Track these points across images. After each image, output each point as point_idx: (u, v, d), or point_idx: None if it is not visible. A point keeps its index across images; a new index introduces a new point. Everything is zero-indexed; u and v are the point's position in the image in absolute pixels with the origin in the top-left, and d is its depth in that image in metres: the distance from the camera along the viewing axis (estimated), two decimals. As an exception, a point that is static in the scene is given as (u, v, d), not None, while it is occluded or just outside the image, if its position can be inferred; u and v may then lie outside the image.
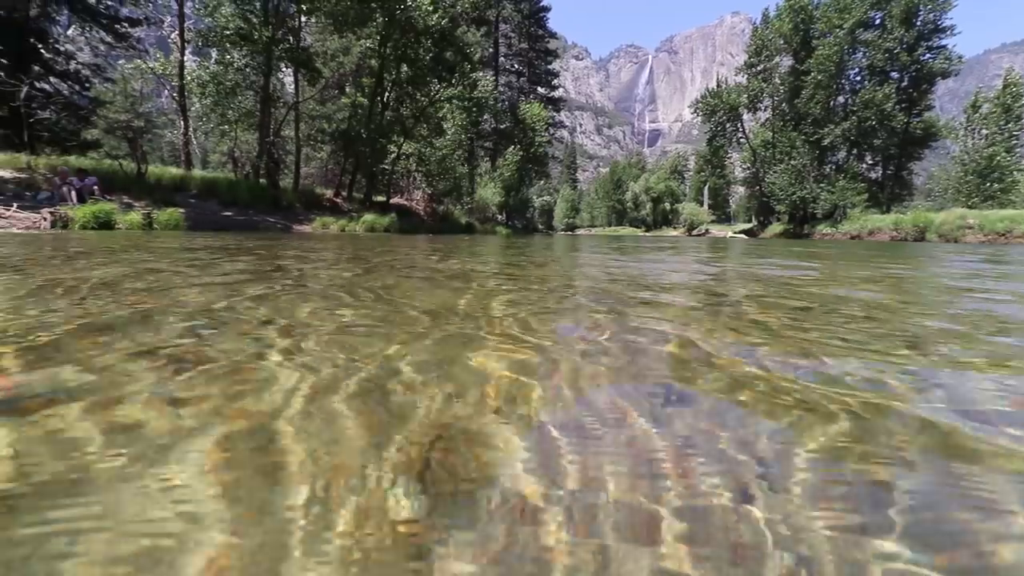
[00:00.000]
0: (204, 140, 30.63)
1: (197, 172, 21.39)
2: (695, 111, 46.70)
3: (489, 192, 36.06)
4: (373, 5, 21.42)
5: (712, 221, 63.67)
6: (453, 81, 26.63)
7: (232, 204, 17.54)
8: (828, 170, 39.31)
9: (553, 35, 56.85)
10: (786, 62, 43.27)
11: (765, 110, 45.71)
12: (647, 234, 59.28)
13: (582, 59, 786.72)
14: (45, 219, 11.02)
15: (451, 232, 23.49)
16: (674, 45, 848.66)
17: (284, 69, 23.91)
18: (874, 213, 33.69)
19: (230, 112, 21.52)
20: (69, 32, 25.75)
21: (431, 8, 22.38)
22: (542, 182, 58.75)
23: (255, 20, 19.77)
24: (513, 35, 52.14)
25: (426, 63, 24.51)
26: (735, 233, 45.28)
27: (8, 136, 19.70)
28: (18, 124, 18.04)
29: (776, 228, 40.69)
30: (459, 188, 31.94)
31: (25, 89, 19.07)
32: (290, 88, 26.06)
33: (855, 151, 39.12)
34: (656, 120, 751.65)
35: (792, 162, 38.52)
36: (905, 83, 37.95)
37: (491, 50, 47.18)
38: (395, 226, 20.38)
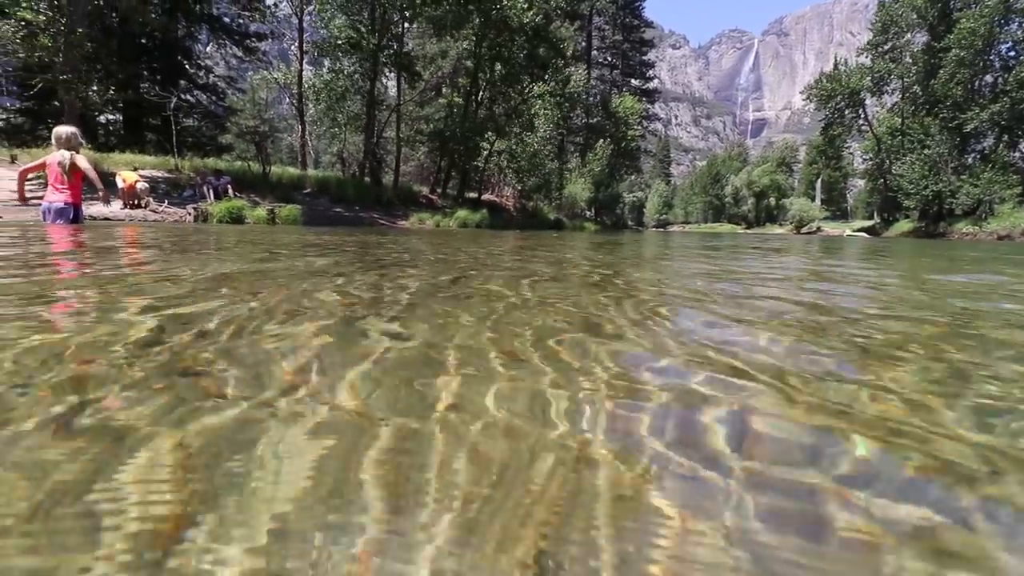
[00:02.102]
0: (317, 143, 33.35)
1: (311, 172, 23.35)
2: (808, 97, 42.84)
3: (578, 188, 35.75)
4: (471, 7, 22.04)
5: (825, 218, 58.15)
6: (546, 77, 26.70)
7: (341, 201, 18.98)
8: (971, 160, 34.30)
9: (649, 24, 54.97)
10: (920, 39, 38.30)
11: (892, 93, 40.87)
12: (748, 231, 55.52)
13: (679, 47, 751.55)
14: (189, 214, 12.65)
15: (539, 228, 23.60)
16: (784, 27, 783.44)
17: (388, 74, 25.36)
18: (1031, 209, 28.91)
19: (340, 116, 23.31)
20: (208, 49, 29.20)
21: (526, 6, 22.58)
22: (633, 177, 57.12)
23: (363, 29, 21.16)
24: (607, 27, 51.15)
25: (520, 60, 24.79)
26: (853, 231, 40.90)
27: (160, 141, 22.86)
28: (168, 131, 20.79)
29: (903, 226, 36.28)
30: (548, 184, 32.01)
31: (174, 100, 21.96)
32: (392, 92, 27.58)
33: (1006, 138, 33.68)
34: (761, 109, 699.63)
35: (926, 151, 34.03)
36: (1076, 56, 32.06)
37: (583, 44, 46.61)
38: (486, 222, 20.89)
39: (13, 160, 15.88)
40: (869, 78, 39.55)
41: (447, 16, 22.16)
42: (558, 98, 28.53)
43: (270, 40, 28.66)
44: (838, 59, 42.70)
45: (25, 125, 23.41)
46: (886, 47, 39.47)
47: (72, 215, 5.73)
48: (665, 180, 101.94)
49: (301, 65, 22.53)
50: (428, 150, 30.04)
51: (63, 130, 5.77)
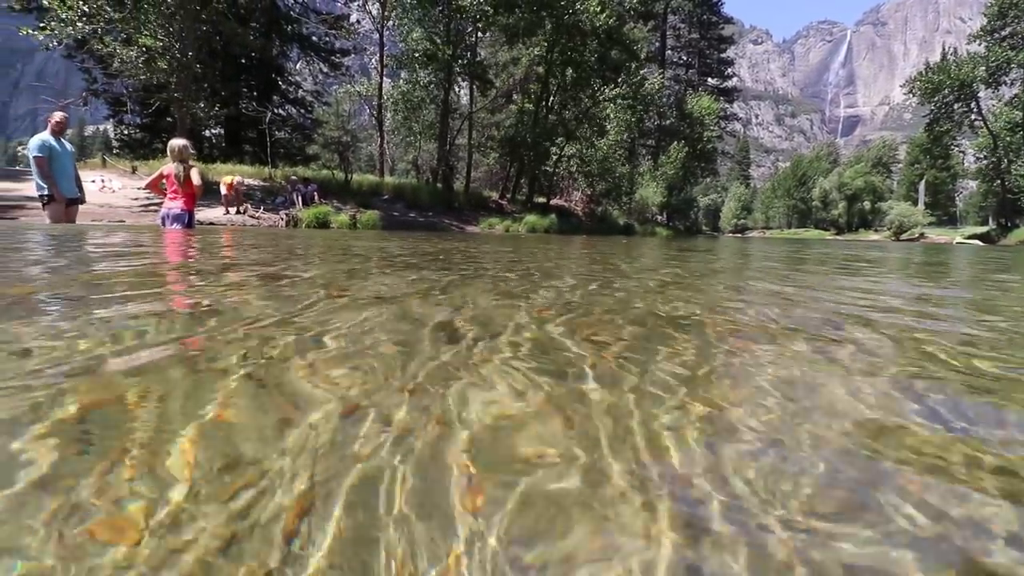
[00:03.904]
0: (394, 151, 34.87)
1: (388, 179, 24.44)
2: (910, 91, 39.11)
3: (650, 192, 34.82)
4: (543, 13, 22.17)
5: (929, 223, 52.73)
6: (618, 80, 26.29)
7: (415, 206, 19.68)
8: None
9: (728, 20, 52.69)
10: (1048, 21, 33.89)
11: (1012, 85, 36.37)
12: (839, 238, 51.54)
13: (761, 43, 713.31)
14: (282, 219, 13.63)
15: (608, 233, 23.19)
16: (881, 15, 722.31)
17: (461, 83, 26.06)
18: None
19: (415, 125, 24.24)
20: (297, 66, 31.39)
21: (599, 9, 22.36)
22: (709, 179, 54.82)
23: (439, 41, 21.89)
24: (682, 25, 49.59)
25: (591, 64, 24.58)
26: (965, 239, 36.66)
27: (256, 152, 24.87)
28: (263, 143, 22.61)
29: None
30: (618, 188, 31.43)
31: (269, 115, 23.83)
32: (465, 100, 28.29)
33: None
34: (854, 105, 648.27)
35: (1054, 148, 30.06)
36: None
37: (657, 44, 45.43)
38: (555, 227, 20.83)
39: (134, 171, 17.88)
40: (983, 68, 35.48)
41: (519, 23, 22.41)
42: (630, 101, 27.99)
43: (352, 55, 30.39)
44: (946, 48, 38.72)
45: (144, 139, 26.33)
46: (1004, 33, 35.24)
47: (187, 220, 6.36)
48: (744, 183, 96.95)
49: (381, 78, 23.65)
50: (498, 156, 30.50)
51: (176, 143, 6.42)
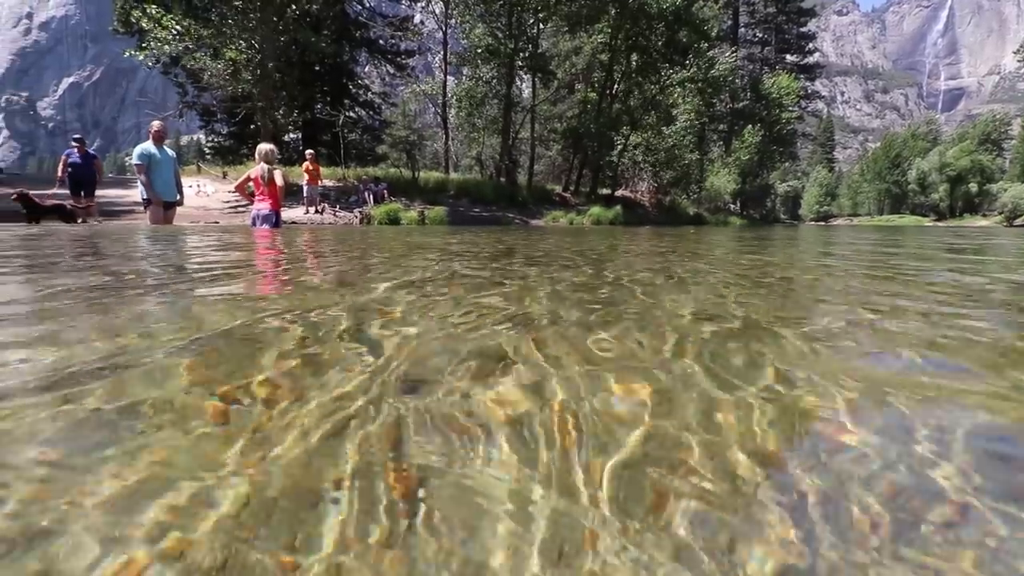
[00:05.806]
0: (457, 147, 35.44)
1: (453, 176, 24.87)
2: (1027, 56, 34.59)
3: (722, 179, 33.15)
4: (606, -1, 21.60)
5: (1049, 205, 46.62)
6: (686, 63, 25.15)
7: (479, 202, 19.90)
8: None
9: (809, -9, 49.00)
10: None
11: None
12: (939, 224, 46.77)
13: (846, 14, 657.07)
14: (356, 217, 14.23)
15: (676, 224, 22.31)
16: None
17: (523, 76, 25.96)
18: None
19: (478, 121, 24.46)
20: (365, 69, 32.50)
21: (666, -11, 21.49)
22: (787, 164, 51.40)
23: (500, 35, 21.93)
24: (757, 0, 46.66)
25: (658, 48, 23.68)
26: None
27: (330, 155, 26.08)
28: (336, 145, 23.67)
29: None
30: (687, 177, 30.14)
31: (342, 118, 24.92)
32: (526, 93, 28.17)
33: None
34: (957, 76, 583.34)
35: None
36: None
37: (729, 22, 43.04)
38: (620, 219, 20.35)
39: (224, 176, 19.31)
40: None
41: (582, 11, 21.97)
42: (699, 84, 26.72)
43: (417, 55, 31.05)
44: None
45: (232, 146, 28.37)
46: None
47: (274, 220, 6.77)
48: (827, 166, 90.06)
49: (445, 76, 24.06)
50: (561, 148, 30.12)
51: (263, 147, 6.85)
